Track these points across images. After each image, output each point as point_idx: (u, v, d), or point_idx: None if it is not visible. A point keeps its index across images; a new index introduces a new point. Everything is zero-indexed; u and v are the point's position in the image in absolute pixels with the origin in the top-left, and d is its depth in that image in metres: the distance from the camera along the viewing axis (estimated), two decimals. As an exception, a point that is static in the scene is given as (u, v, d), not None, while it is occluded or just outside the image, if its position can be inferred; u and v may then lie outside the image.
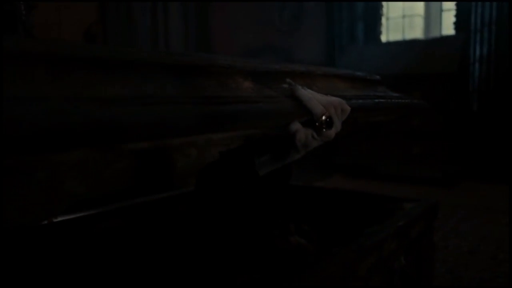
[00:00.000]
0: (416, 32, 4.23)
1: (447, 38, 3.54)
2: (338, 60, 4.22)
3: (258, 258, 1.09)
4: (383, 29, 4.18)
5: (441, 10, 4.03)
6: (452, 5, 3.71)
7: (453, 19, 3.64)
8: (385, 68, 3.41)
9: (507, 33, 3.32)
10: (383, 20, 4.17)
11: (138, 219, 1.23)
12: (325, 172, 3.69)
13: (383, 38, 4.20)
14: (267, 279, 0.90)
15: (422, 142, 3.29)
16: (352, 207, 1.33)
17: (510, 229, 2.05)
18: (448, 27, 3.91)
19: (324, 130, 0.72)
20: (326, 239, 1.23)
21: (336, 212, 1.37)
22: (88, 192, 0.76)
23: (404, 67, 3.31)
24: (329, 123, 0.72)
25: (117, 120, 0.38)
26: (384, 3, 4.11)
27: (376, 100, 0.98)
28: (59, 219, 1.13)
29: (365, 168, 3.68)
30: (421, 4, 4.15)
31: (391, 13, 4.25)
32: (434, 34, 4.08)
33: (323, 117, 0.71)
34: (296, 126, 0.68)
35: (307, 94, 0.71)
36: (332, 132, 0.73)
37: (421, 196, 1.30)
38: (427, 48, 3.36)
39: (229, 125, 0.53)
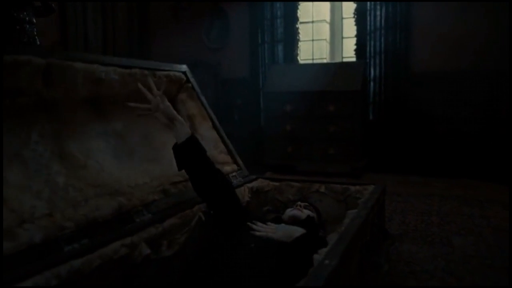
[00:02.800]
0: (322, 54, 5.16)
1: (353, 63, 4.49)
2: (263, 77, 4.96)
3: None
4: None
5: (342, 38, 5.02)
6: (352, 34, 4.70)
7: (354, 47, 4.63)
8: (305, 85, 4.23)
9: (392, 60, 4.40)
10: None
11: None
12: (258, 170, 4.37)
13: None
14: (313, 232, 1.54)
15: (336, 144, 4.16)
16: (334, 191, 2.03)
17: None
18: (348, 51, 4.91)
19: None
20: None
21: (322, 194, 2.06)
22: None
23: (320, 84, 4.15)
24: None
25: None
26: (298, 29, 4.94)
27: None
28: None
29: (290, 167, 4.48)
30: (327, 30, 5.09)
31: (302, 37, 5.11)
32: (337, 57, 5.06)
33: None
34: None
35: None
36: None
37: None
38: (338, 70, 4.24)
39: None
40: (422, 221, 2.72)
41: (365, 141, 4.37)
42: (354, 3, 4.55)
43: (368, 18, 4.47)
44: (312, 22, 5.12)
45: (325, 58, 5.14)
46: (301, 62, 5.07)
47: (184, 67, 2.20)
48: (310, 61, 5.14)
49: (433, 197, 3.32)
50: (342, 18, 4.98)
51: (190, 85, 2.21)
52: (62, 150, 1.51)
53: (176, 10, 5.08)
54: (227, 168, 2.10)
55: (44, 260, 1.05)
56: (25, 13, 2.29)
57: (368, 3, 4.43)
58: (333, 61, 5.00)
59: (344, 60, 4.98)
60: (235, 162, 2.22)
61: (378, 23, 4.41)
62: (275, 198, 2.13)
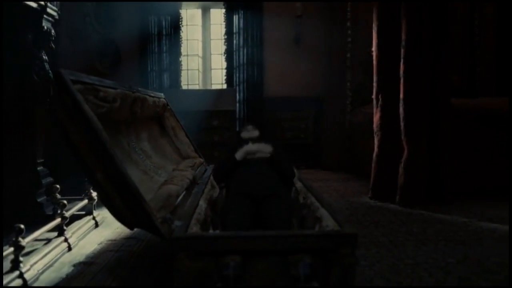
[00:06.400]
0: (195, 81, 6.52)
1: (228, 89, 5.98)
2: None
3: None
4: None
5: (211, 69, 6.49)
6: (219, 66, 6.21)
7: (223, 76, 6.16)
8: (193, 106, 5.53)
9: (252, 87, 6.09)
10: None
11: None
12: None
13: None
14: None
15: (219, 149, 5.57)
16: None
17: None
18: (216, 79, 6.40)
19: None
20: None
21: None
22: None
23: (206, 105, 5.52)
24: None
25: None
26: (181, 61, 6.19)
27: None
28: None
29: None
30: (200, 63, 6.48)
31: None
32: (208, 84, 6.50)
33: None
34: None
35: None
36: None
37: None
38: (218, 94, 5.68)
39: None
40: (296, 191, 4.38)
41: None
42: (224, 44, 6.09)
43: (234, 56, 6.07)
44: (187, 55, 6.44)
45: (198, 84, 6.51)
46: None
47: (162, 95, 3.33)
48: (186, 87, 6.43)
49: (293, 179, 5.05)
50: (211, 54, 6.46)
51: (168, 107, 3.36)
52: (141, 147, 2.56)
53: (72, 38, 5.68)
54: (200, 160, 3.33)
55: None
56: (42, 52, 3.07)
57: (234, 45, 6.04)
58: (204, 88, 6.41)
59: (213, 86, 6.45)
60: (200, 157, 3.45)
61: (241, 60, 6.05)
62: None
